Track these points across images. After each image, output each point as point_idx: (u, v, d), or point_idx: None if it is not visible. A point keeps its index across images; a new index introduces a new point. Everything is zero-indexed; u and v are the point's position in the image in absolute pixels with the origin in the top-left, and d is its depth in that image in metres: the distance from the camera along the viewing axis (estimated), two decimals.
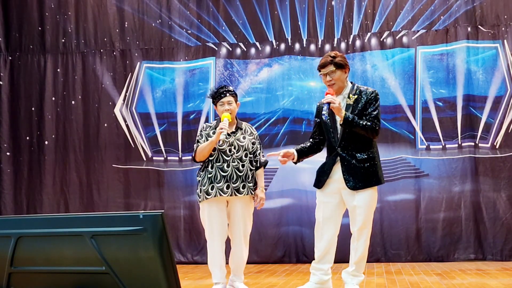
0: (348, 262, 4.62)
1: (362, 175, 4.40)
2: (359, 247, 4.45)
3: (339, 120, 4.40)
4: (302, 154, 4.67)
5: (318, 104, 4.71)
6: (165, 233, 2.13)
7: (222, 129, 4.65)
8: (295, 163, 4.69)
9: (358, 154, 4.43)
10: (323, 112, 4.50)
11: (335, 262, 4.28)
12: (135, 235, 2.15)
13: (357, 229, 4.44)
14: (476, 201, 7.23)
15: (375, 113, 4.44)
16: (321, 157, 4.73)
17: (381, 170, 4.56)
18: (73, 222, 2.29)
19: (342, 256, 7.12)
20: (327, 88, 4.56)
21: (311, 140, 4.74)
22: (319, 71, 4.53)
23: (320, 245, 4.56)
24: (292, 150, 4.65)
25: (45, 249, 2.31)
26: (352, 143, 4.44)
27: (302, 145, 4.72)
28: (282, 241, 7.50)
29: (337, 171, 4.48)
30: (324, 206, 4.55)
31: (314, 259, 4.63)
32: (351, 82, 4.59)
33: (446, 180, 7.30)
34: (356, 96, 4.47)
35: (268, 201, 7.54)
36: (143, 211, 2.18)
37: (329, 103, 4.35)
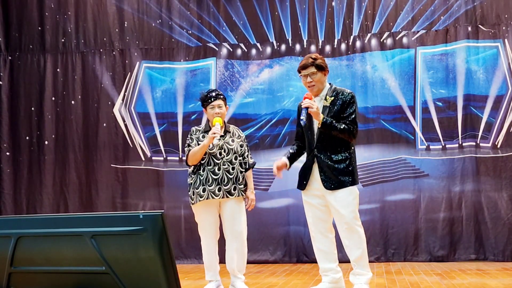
0: (348, 261, 4.62)
1: (337, 176, 4.42)
2: (352, 245, 4.44)
3: (317, 123, 4.43)
4: (293, 160, 4.73)
5: (299, 104, 4.71)
6: (165, 233, 2.12)
7: (215, 133, 4.71)
8: (288, 169, 4.74)
9: (334, 155, 4.46)
10: (301, 118, 4.48)
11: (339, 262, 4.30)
12: (135, 235, 2.15)
13: (342, 228, 4.45)
14: (478, 201, 7.23)
15: (352, 116, 4.47)
16: None
17: (357, 172, 4.57)
18: (73, 222, 2.29)
19: (341, 256, 7.15)
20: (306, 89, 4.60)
21: (297, 141, 4.78)
22: (299, 72, 4.55)
23: (316, 245, 4.58)
24: (284, 159, 4.68)
25: (45, 249, 2.31)
26: (329, 144, 4.47)
27: (290, 150, 4.75)
28: (282, 241, 7.49)
29: (315, 171, 4.52)
30: (309, 207, 4.61)
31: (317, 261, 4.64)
32: (330, 84, 4.63)
33: (446, 180, 7.30)
34: (332, 98, 4.50)
35: (269, 201, 7.55)
36: (143, 211, 2.18)
37: (307, 108, 4.38)
